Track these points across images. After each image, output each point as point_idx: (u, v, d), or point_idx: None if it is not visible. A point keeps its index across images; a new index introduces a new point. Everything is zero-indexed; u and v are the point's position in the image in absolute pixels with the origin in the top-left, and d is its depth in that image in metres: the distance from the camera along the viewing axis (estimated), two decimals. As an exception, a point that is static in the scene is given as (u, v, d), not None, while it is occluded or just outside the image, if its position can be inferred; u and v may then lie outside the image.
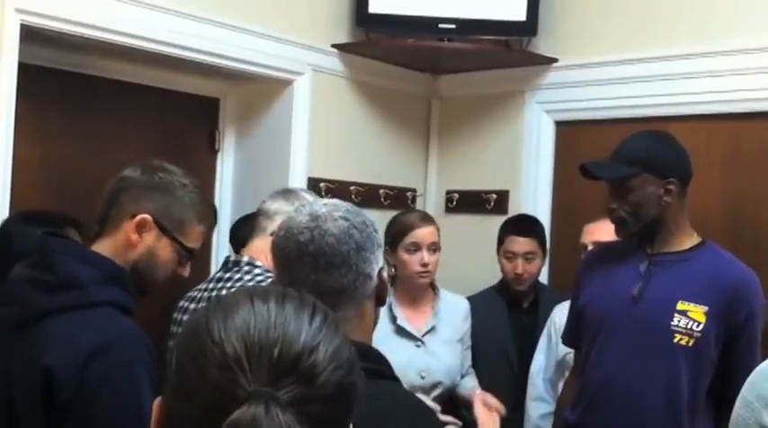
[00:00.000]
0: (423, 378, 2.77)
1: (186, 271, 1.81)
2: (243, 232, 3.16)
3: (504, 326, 3.25)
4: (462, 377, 2.95)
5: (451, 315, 2.93)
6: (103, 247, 1.71)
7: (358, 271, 1.38)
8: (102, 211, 1.74)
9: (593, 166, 2.37)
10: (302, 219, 1.41)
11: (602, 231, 2.88)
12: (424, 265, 2.81)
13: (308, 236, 1.38)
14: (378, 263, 1.42)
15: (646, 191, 2.28)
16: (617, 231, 2.39)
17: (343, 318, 1.28)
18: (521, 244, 3.23)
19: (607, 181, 2.35)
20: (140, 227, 1.71)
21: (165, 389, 0.84)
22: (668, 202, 2.29)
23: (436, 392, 2.80)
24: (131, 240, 1.71)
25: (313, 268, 1.37)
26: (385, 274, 1.44)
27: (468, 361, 3.01)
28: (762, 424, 1.12)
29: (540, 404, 3.02)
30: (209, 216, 1.79)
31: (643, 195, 2.28)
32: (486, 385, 2.91)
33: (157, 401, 0.85)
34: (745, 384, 1.20)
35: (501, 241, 3.30)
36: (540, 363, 3.07)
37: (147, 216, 1.70)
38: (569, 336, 2.57)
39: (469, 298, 3.16)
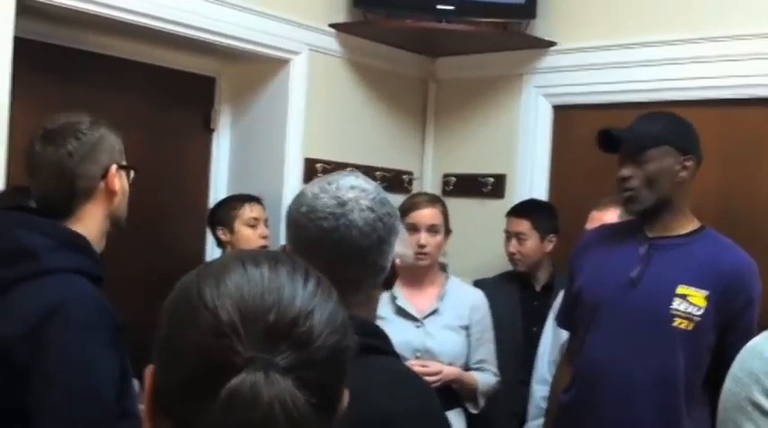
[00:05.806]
0: (418, 358, 2.76)
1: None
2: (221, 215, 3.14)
3: (513, 309, 3.29)
4: (473, 370, 2.90)
5: (458, 303, 2.91)
6: (84, 221, 1.74)
7: (375, 267, 1.36)
8: (58, 196, 1.74)
9: (616, 130, 2.30)
10: (328, 202, 1.34)
11: (609, 219, 2.85)
12: (421, 247, 2.81)
13: (332, 224, 1.32)
14: (393, 251, 1.38)
15: (664, 162, 2.24)
16: (627, 207, 2.34)
17: (348, 303, 1.24)
18: (512, 224, 3.34)
19: (626, 147, 2.27)
20: (113, 178, 1.77)
21: (157, 356, 0.82)
22: (683, 179, 2.26)
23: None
24: (114, 193, 1.77)
25: (331, 257, 1.30)
26: (398, 262, 1.41)
27: (482, 355, 2.92)
28: (751, 399, 1.12)
29: (543, 386, 3.02)
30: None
31: (660, 166, 2.24)
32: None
33: (150, 368, 0.84)
34: (735, 361, 1.20)
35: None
36: (546, 346, 3.07)
37: (113, 165, 1.77)
38: (564, 319, 2.56)
39: (483, 281, 3.21)
